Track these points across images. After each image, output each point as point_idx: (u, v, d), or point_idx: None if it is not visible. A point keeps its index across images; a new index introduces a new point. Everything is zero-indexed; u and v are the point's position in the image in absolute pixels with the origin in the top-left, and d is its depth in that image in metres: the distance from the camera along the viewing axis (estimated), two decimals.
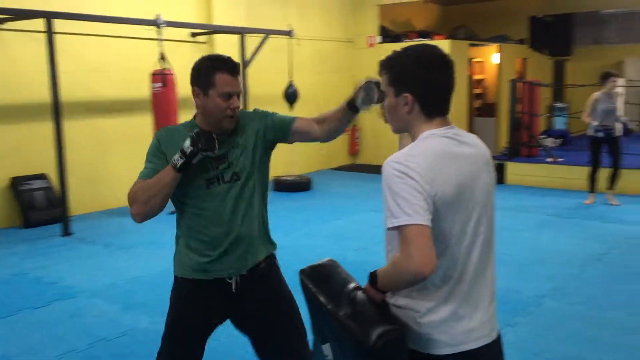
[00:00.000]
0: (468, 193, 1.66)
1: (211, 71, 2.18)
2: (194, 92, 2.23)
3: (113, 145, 7.72)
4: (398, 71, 1.73)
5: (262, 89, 9.16)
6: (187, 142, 2.12)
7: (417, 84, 1.70)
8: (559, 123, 12.88)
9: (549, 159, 8.81)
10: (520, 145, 9.34)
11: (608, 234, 6.18)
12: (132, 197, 2.22)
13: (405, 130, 1.80)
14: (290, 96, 8.64)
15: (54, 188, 7.01)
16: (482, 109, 12.34)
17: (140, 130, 7.81)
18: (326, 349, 1.73)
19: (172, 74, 7.04)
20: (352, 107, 2.34)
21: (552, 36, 13.62)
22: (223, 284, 2.30)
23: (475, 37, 11.99)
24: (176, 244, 2.41)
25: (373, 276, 1.69)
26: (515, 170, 8.95)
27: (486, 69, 12.63)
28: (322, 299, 1.73)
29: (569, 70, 14.17)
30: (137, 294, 4.68)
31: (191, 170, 2.19)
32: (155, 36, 7.35)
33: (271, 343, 2.40)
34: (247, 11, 9.05)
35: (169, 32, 6.93)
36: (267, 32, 8.50)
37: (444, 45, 10.33)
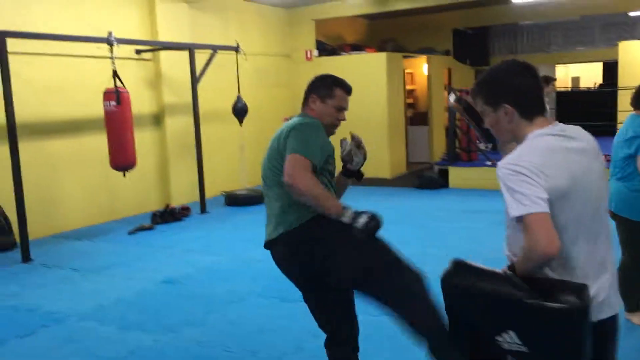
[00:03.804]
0: (581, 184, 1.85)
1: (334, 86, 2.72)
2: (311, 97, 2.73)
3: (65, 167, 7.49)
4: (490, 89, 1.95)
5: (211, 105, 9.17)
6: (365, 219, 2.44)
7: (511, 94, 1.91)
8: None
9: (488, 163, 9.35)
10: (460, 151, 9.84)
11: None
12: (312, 178, 2.46)
13: (512, 139, 1.99)
14: (240, 111, 8.69)
15: (3, 214, 6.71)
16: (414, 118, 12.87)
17: (93, 150, 7.64)
18: (507, 337, 1.81)
19: (127, 92, 6.96)
20: (346, 172, 2.88)
21: (473, 47, 14.43)
22: None
23: (403, 50, 12.51)
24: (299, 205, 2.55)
25: (512, 267, 1.89)
26: (457, 175, 9.44)
27: (416, 80, 13.19)
28: (491, 288, 1.84)
29: None
30: (129, 314, 4.61)
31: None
32: (102, 54, 7.24)
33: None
34: (191, 28, 9.04)
35: (115, 50, 6.84)
36: (215, 48, 8.54)
37: (380, 57, 10.77)
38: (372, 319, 4.25)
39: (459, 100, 2.37)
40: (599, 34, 14.05)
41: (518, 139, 1.95)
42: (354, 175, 2.91)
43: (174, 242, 6.78)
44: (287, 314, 4.46)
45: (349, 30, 13.25)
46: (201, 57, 8.54)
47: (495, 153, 10.32)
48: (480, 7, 12.89)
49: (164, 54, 8.58)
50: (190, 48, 8.22)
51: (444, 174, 9.57)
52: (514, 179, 1.79)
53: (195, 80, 8.29)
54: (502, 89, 1.92)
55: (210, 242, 6.71)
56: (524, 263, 1.82)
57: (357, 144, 2.83)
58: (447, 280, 1.96)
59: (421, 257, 5.53)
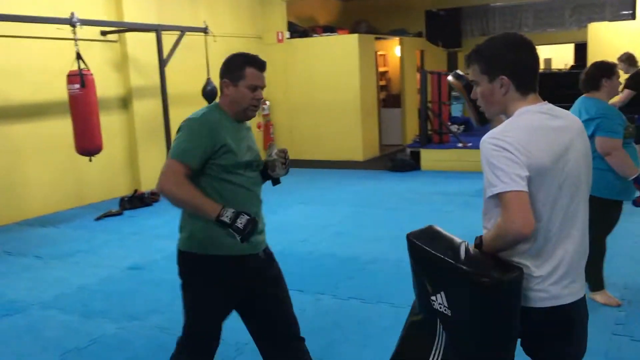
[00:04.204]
0: (562, 162, 1.85)
1: (242, 66, 2.47)
2: (223, 83, 2.51)
3: (28, 152, 7.30)
4: (490, 58, 1.91)
5: (180, 89, 9.00)
6: (244, 220, 2.36)
7: (510, 66, 1.89)
8: (455, 111, 13.66)
9: (460, 145, 9.36)
10: (432, 133, 9.84)
11: None
12: (180, 183, 2.37)
13: (501, 112, 1.96)
14: (209, 94, 8.55)
15: None
16: (386, 100, 12.83)
17: (57, 135, 7.45)
18: (439, 297, 1.90)
19: (91, 75, 6.78)
20: (264, 174, 2.72)
21: (445, 29, 14.38)
22: (254, 257, 2.57)
23: (376, 31, 12.42)
24: (204, 222, 2.45)
25: (478, 239, 1.91)
26: (429, 157, 9.44)
27: (389, 62, 13.13)
28: (436, 252, 1.90)
29: (460, 61, 15.03)
30: (92, 302, 4.51)
31: (238, 153, 2.48)
32: (65, 35, 7.04)
33: (279, 307, 2.73)
34: (158, 8, 8.82)
35: (79, 32, 6.65)
36: (183, 29, 8.37)
37: (352, 39, 10.67)
38: (342, 303, 4.24)
39: (459, 77, 2.37)
40: (569, 15, 14.11)
41: (507, 112, 1.94)
42: (271, 179, 2.76)
43: (142, 228, 6.66)
44: None
45: (321, 11, 13.11)
46: (169, 38, 8.37)
47: (467, 135, 10.35)
48: None
49: (130, 36, 8.37)
50: (157, 29, 8.04)
51: (416, 156, 9.56)
52: (496, 154, 1.78)
53: (162, 62, 8.13)
54: (502, 60, 1.89)
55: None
56: (494, 239, 1.83)
57: (282, 161, 2.67)
58: (409, 237, 2.03)
59: (394, 240, 5.55)
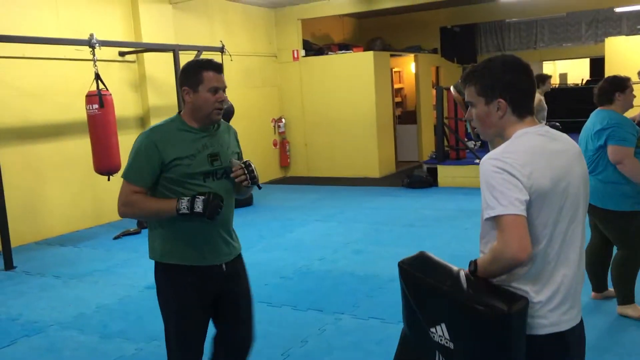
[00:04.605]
0: (562, 186, 1.81)
1: (198, 70, 2.48)
2: (183, 91, 2.51)
3: (48, 172, 7.36)
4: (487, 81, 1.89)
5: None
6: (200, 203, 2.40)
7: (507, 89, 1.86)
8: (468, 127, 13.61)
9: (477, 161, 9.29)
10: (449, 149, 9.79)
11: None
12: (130, 203, 2.49)
13: (497, 134, 1.94)
14: (227, 113, 8.57)
15: None
16: (402, 117, 12.81)
17: (76, 155, 7.53)
18: (439, 329, 1.84)
19: (110, 95, 6.84)
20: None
21: (460, 45, 14.36)
22: (216, 269, 2.58)
23: (391, 48, 12.45)
24: (167, 232, 2.54)
25: (473, 265, 1.86)
26: (446, 173, 9.37)
27: (404, 78, 13.13)
28: (435, 282, 1.86)
29: None
30: (111, 322, 4.50)
31: (192, 164, 2.48)
32: (84, 56, 7.13)
33: (239, 316, 2.74)
34: (175, 29, 8.94)
35: (97, 52, 6.73)
36: (200, 49, 8.43)
37: (367, 56, 10.70)
38: (362, 323, 4.19)
39: (460, 90, 2.36)
40: (585, 30, 14.04)
41: (503, 135, 1.91)
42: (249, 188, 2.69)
43: None
44: (273, 319, 4.37)
45: (336, 29, 13.18)
46: (186, 58, 8.41)
47: (483, 151, 10.28)
48: (467, 4, 12.87)
49: (147, 56, 8.46)
50: (175, 49, 8.11)
51: (433, 173, 9.50)
52: (496, 176, 1.74)
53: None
54: (499, 83, 1.87)
55: None
56: (490, 263, 1.79)
57: (250, 174, 2.55)
58: (402, 266, 1.99)
59: None
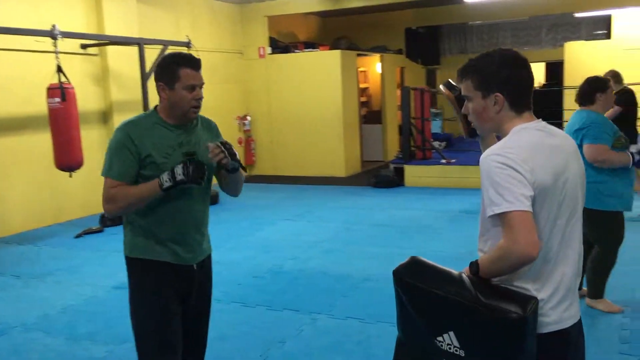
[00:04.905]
0: (562, 181, 1.78)
1: (175, 67, 2.37)
2: (159, 87, 2.41)
3: (7, 167, 7.05)
4: (484, 74, 1.85)
5: None
6: (180, 169, 2.31)
7: (505, 83, 1.82)
8: (435, 127, 13.72)
9: (443, 161, 9.36)
10: (415, 149, 9.82)
11: None
12: (111, 198, 2.38)
13: (494, 129, 1.91)
14: None
15: None
16: (367, 116, 12.81)
17: (37, 150, 7.24)
18: (447, 338, 1.79)
19: (72, 88, 6.60)
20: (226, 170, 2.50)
21: (424, 47, 14.50)
22: (188, 269, 2.52)
23: (356, 48, 12.43)
24: (138, 228, 2.47)
25: (474, 266, 1.81)
26: (413, 173, 9.40)
27: (369, 78, 13.15)
28: (437, 290, 1.80)
29: (439, 79, 15.15)
30: (77, 324, 4.32)
31: (168, 162, 2.37)
32: (45, 48, 6.87)
33: (200, 318, 2.66)
34: (140, 22, 8.70)
35: (59, 44, 6.48)
36: (166, 43, 8.23)
37: (334, 55, 10.66)
38: (340, 322, 4.12)
39: (451, 87, 2.33)
40: (545, 34, 14.35)
41: (501, 130, 1.87)
42: (234, 170, 2.48)
43: None
44: (249, 319, 4.27)
45: (302, 27, 13.10)
46: (150, 52, 8.21)
47: (449, 151, 10.37)
48: (432, 6, 12.96)
49: (111, 49, 8.21)
50: (140, 43, 7.89)
51: (400, 173, 9.53)
52: (500, 172, 1.70)
53: (145, 76, 7.96)
54: (497, 77, 1.83)
55: None
56: (496, 262, 1.74)
57: (229, 151, 2.39)
58: (398, 274, 1.92)
59: (386, 258, 5.47)
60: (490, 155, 1.75)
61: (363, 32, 13.46)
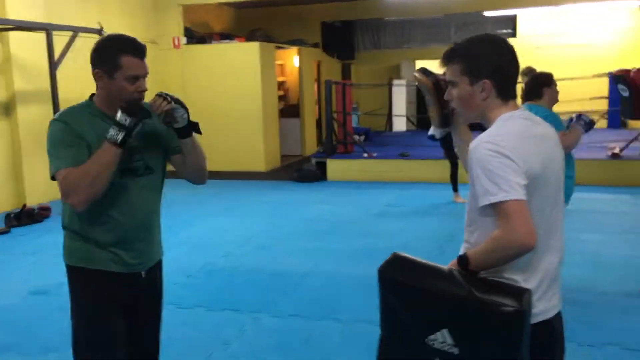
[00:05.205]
0: (549, 170, 1.76)
1: (116, 53, 2.07)
2: (96, 74, 2.12)
3: None
4: (473, 60, 1.79)
5: (70, 94, 8.24)
6: (121, 114, 2.02)
7: (494, 70, 1.78)
8: (353, 122, 13.82)
9: (365, 155, 9.41)
10: (336, 143, 9.80)
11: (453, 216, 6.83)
12: (72, 185, 2.03)
13: (478, 117, 1.85)
14: None
15: None
16: (284, 110, 12.68)
17: None
18: (440, 336, 1.71)
19: None
20: (179, 134, 2.21)
21: (340, 41, 14.55)
22: (134, 276, 2.26)
23: (272, 40, 12.23)
24: (74, 233, 2.20)
25: (464, 259, 1.75)
26: (335, 167, 9.38)
27: (286, 72, 13.01)
28: (428, 287, 1.73)
29: (354, 73, 15.28)
30: None
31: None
32: None
33: (149, 329, 2.42)
34: (45, 6, 8.07)
35: None
36: (76, 30, 7.70)
37: (253, 47, 10.44)
38: (283, 321, 3.96)
39: (428, 74, 2.26)
40: (454, 32, 14.81)
41: (485, 118, 1.83)
42: (189, 131, 2.22)
43: (37, 248, 5.96)
44: (187, 321, 4.03)
45: (216, 18, 12.74)
46: (59, 40, 7.65)
47: (369, 145, 10.45)
48: (348, 1, 13.01)
49: (14, 35, 7.57)
50: (48, 29, 7.32)
51: (322, 167, 9.48)
52: (493, 160, 1.65)
53: (54, 65, 7.41)
54: (487, 64, 1.77)
55: None
56: (491, 253, 1.70)
57: (173, 99, 2.12)
58: (384, 272, 1.82)
59: (321, 252, 5.39)
60: (482, 143, 1.69)
61: (279, 25, 13.29)
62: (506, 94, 1.80)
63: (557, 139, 1.88)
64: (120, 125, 2.02)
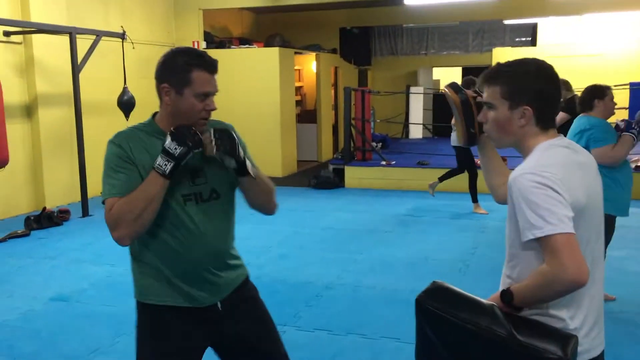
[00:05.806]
0: (592, 200, 1.69)
1: (187, 68, 1.93)
2: (162, 89, 1.97)
3: None
4: (517, 84, 1.72)
5: (92, 97, 8.29)
6: (170, 141, 1.88)
7: (537, 97, 1.71)
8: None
9: (383, 162, 9.35)
10: (355, 150, 9.76)
11: (475, 228, 6.76)
12: (116, 219, 1.89)
13: (513, 144, 1.78)
14: (126, 104, 7.93)
15: None
16: (301, 116, 12.66)
17: None
18: None
19: None
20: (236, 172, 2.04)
21: (357, 47, 14.52)
22: (210, 310, 2.08)
23: (290, 46, 12.23)
24: (143, 266, 2.05)
25: (508, 294, 1.67)
26: (353, 174, 9.33)
27: (304, 77, 12.99)
28: (469, 323, 1.65)
29: (370, 79, 15.23)
30: (17, 342, 3.89)
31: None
32: None
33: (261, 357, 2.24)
34: (68, 10, 8.10)
35: None
36: (99, 34, 7.71)
37: (273, 52, 10.41)
38: (308, 335, 3.92)
39: (458, 90, 2.20)
40: (472, 39, 14.73)
41: (521, 146, 1.75)
42: (241, 172, 2.04)
43: (58, 252, 5.96)
44: None
45: (235, 23, 12.75)
46: (82, 43, 7.67)
47: (387, 153, 10.38)
48: (366, 7, 12.98)
49: (37, 38, 7.60)
50: (72, 32, 7.33)
51: (339, 173, 9.43)
52: (538, 192, 1.57)
53: (77, 68, 7.41)
54: (530, 89, 1.70)
55: (100, 249, 5.95)
56: (538, 290, 1.61)
57: (222, 141, 1.96)
58: (423, 302, 1.75)
59: (343, 263, 5.34)
60: (524, 174, 1.61)
61: (296, 30, 13.29)
62: (546, 123, 1.73)
63: (596, 167, 1.81)
64: (169, 155, 1.88)
